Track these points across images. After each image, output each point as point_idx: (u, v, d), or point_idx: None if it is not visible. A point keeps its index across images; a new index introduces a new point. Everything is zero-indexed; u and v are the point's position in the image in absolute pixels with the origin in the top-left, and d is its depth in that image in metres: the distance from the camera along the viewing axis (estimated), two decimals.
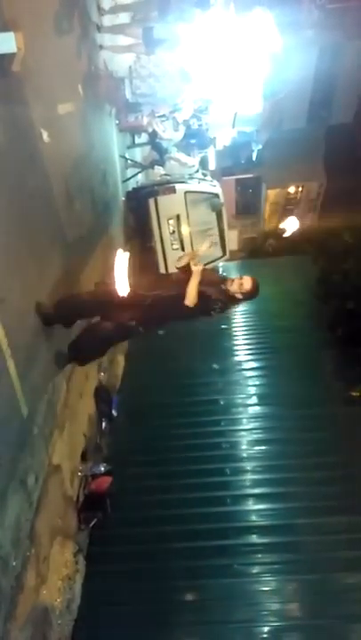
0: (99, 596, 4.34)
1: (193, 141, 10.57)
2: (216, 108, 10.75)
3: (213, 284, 3.98)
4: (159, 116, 8.73)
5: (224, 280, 4.02)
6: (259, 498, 5.24)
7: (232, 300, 4.01)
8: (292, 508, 5.12)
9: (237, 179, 17.51)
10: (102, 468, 5.12)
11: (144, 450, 5.78)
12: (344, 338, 7.13)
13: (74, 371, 4.86)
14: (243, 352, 7.68)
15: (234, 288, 3.92)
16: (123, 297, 3.96)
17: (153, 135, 8.83)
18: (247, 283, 3.93)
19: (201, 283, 3.80)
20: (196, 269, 3.78)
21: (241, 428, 6.17)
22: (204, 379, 7.10)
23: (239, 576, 4.56)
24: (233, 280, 3.96)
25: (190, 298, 3.78)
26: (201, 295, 3.82)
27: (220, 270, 8.83)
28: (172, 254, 8.61)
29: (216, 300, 3.90)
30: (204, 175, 10.16)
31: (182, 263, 3.96)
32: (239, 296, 3.95)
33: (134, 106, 7.98)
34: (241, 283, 3.92)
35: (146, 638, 4.20)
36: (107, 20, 6.93)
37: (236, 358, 7.54)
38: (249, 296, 3.97)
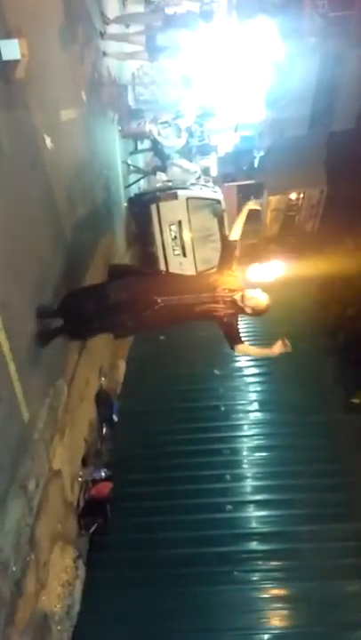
0: (98, 602, 4.33)
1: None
2: (219, 115, 10.81)
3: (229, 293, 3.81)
4: (161, 123, 8.77)
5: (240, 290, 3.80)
6: (259, 504, 5.23)
7: (240, 312, 3.86)
8: (292, 514, 5.11)
9: (239, 185, 17.51)
10: (103, 474, 5.11)
11: (145, 455, 5.77)
12: (345, 344, 7.14)
13: (75, 375, 4.87)
14: (243, 358, 7.68)
15: (250, 303, 3.73)
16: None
17: (155, 141, 8.87)
18: (262, 304, 3.74)
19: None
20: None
21: (242, 434, 6.16)
22: (205, 384, 7.09)
23: (239, 583, 4.55)
24: (249, 296, 3.72)
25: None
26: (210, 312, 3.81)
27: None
28: (173, 260, 8.62)
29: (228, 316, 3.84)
30: (206, 181, 10.18)
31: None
32: (249, 311, 3.77)
33: (137, 112, 8.02)
34: (257, 303, 3.73)
35: None
36: (110, 28, 6.98)
37: (237, 364, 7.54)
38: (258, 314, 3.82)
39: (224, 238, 4.21)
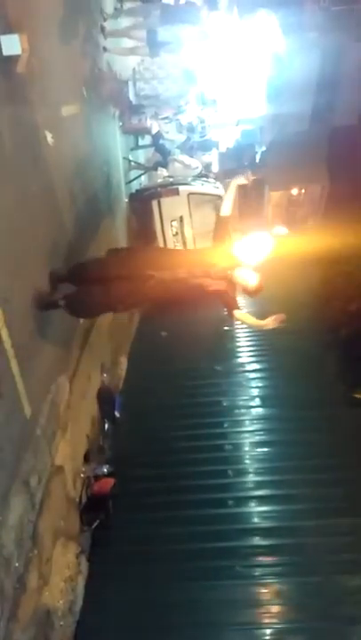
0: (101, 597, 4.34)
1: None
2: (220, 108, 10.80)
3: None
4: (162, 118, 8.75)
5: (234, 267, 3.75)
6: (261, 500, 5.22)
7: (233, 290, 3.86)
8: (294, 510, 5.11)
9: None
10: (105, 470, 5.12)
11: (147, 451, 5.77)
12: (347, 340, 7.12)
13: (77, 372, 4.87)
14: (245, 353, 7.67)
15: (240, 283, 3.75)
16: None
17: (157, 137, 8.84)
18: (251, 285, 3.73)
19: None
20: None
21: (243, 429, 6.16)
22: (207, 380, 7.09)
23: (241, 578, 4.56)
24: (239, 276, 3.73)
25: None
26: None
27: None
28: None
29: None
30: (208, 177, 10.17)
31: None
32: (240, 290, 3.81)
33: (138, 108, 8.00)
34: (245, 283, 3.74)
35: None
36: (111, 23, 6.95)
37: (239, 360, 7.54)
38: (249, 295, 3.82)
39: (216, 216, 4.21)
